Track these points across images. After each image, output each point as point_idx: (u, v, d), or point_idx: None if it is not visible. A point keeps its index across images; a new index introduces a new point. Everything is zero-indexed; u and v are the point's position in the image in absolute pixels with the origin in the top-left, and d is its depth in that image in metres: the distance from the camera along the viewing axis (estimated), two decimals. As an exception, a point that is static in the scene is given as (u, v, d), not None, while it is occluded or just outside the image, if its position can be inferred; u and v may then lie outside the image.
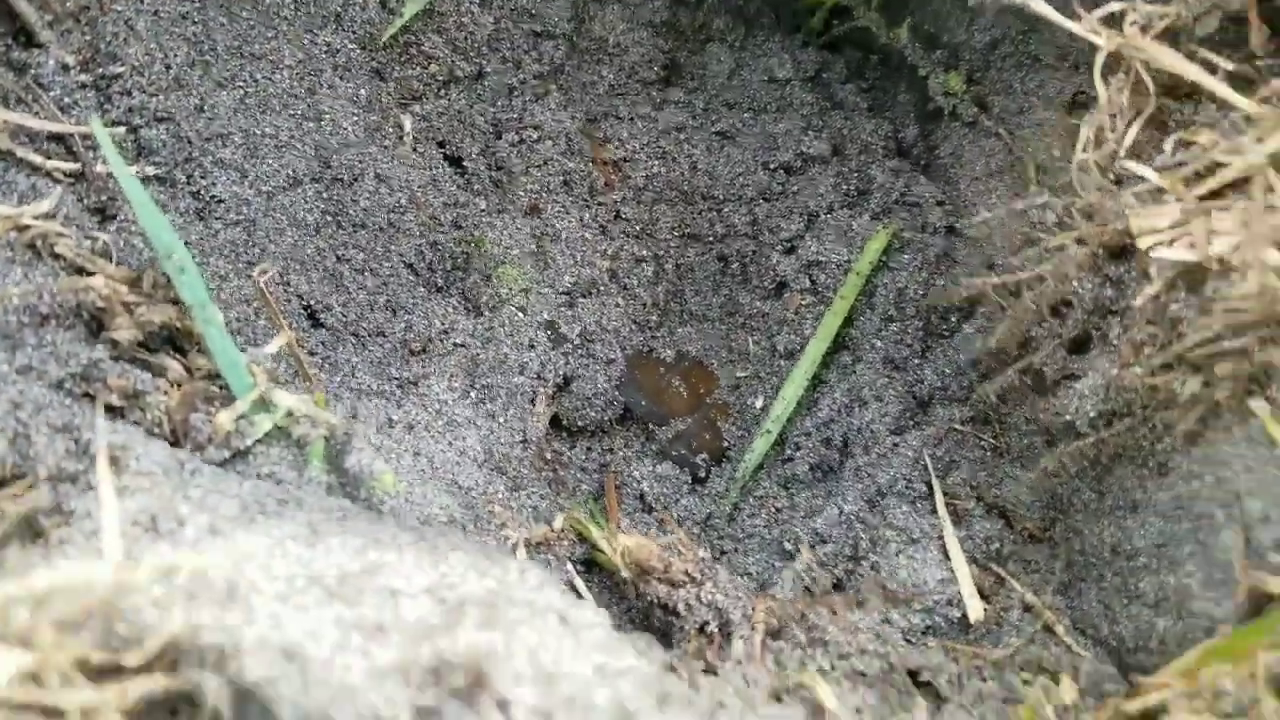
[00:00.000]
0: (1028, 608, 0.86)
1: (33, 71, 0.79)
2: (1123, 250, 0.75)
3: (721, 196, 1.13)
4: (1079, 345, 0.83)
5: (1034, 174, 0.93)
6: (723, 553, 0.95)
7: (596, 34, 1.13)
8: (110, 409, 0.68)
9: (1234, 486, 0.72)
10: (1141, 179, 0.73)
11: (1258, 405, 0.67)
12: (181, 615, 0.49)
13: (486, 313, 1.02)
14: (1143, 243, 0.69)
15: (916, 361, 1.05)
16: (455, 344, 0.99)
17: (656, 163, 1.12)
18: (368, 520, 0.66)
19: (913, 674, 0.82)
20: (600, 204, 1.10)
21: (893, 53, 1.21)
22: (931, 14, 1.21)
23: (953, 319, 1.03)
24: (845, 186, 1.13)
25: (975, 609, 0.85)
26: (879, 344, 1.06)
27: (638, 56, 1.15)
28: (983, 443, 0.96)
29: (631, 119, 1.13)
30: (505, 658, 0.49)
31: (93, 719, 0.48)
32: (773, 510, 1.01)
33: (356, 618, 0.50)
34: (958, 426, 0.97)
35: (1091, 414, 0.79)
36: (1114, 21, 0.77)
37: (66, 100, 0.80)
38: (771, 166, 1.13)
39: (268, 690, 0.48)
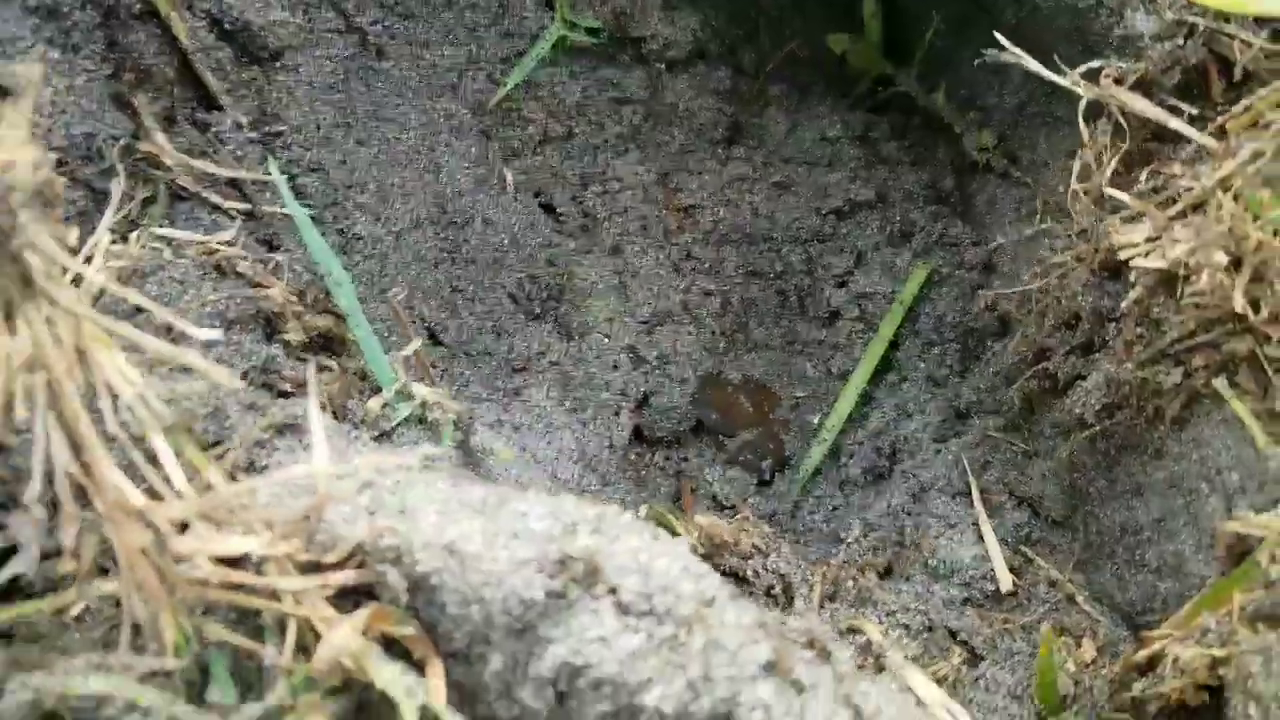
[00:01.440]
0: (1052, 583, 0.99)
1: (214, 129, 0.96)
2: (1117, 268, 0.89)
3: (780, 238, 1.28)
4: (1086, 350, 0.96)
5: (1042, 207, 1.07)
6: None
7: (669, 100, 1.30)
8: (282, 394, 0.84)
9: (1215, 463, 0.85)
10: (1124, 205, 0.87)
11: (1223, 387, 0.80)
12: (366, 526, 0.64)
13: (577, 338, 1.17)
14: (1124, 254, 0.83)
15: (955, 380, 1.18)
16: (550, 363, 1.15)
17: (722, 209, 1.28)
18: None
19: (952, 634, 0.95)
20: (674, 245, 1.25)
21: (931, 114, 1.37)
22: (965, 80, 1.36)
23: (987, 342, 1.17)
24: (889, 229, 1.28)
25: (1005, 580, 0.98)
26: (922, 365, 1.20)
27: (705, 119, 1.31)
28: (1013, 447, 1.09)
29: (700, 172, 1.29)
30: (612, 555, 0.63)
31: (301, 601, 0.63)
32: (829, 508, 1.15)
33: (497, 528, 0.65)
34: (992, 434, 1.10)
35: (1097, 407, 0.93)
36: (1093, 76, 0.91)
37: (239, 153, 0.97)
38: (824, 212, 1.29)
39: (435, 579, 0.62)
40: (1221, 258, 0.77)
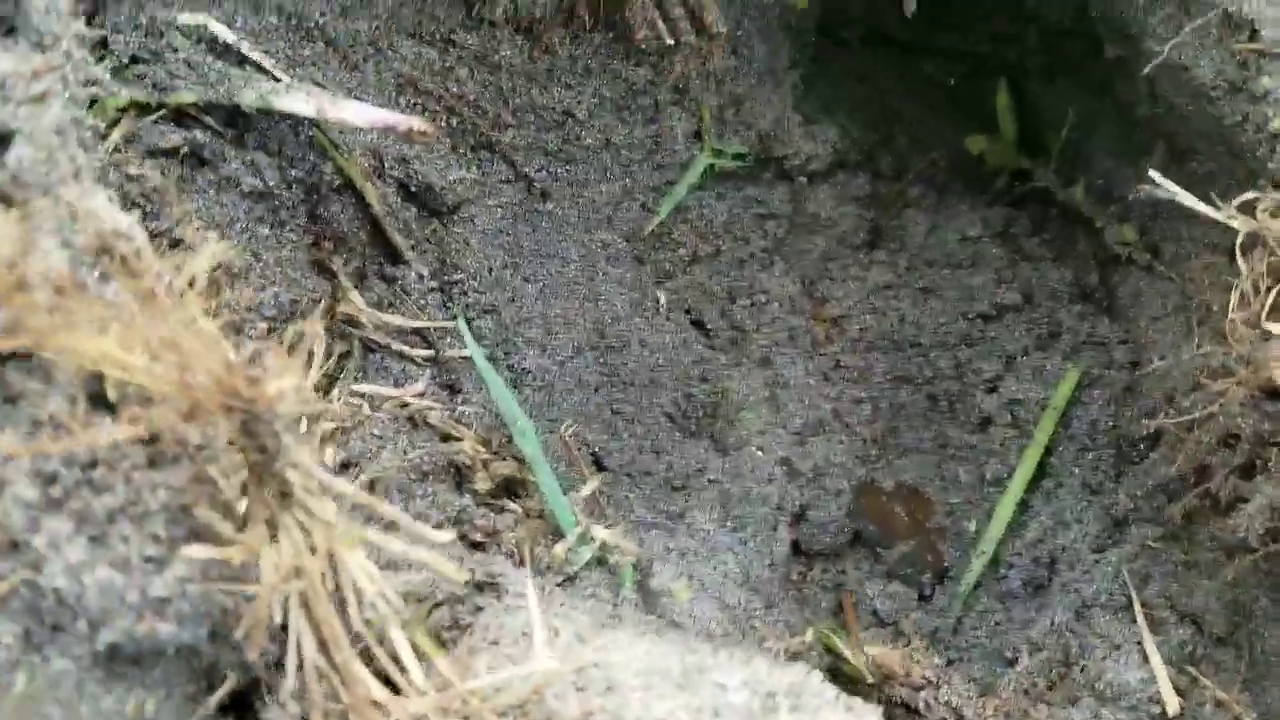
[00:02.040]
0: (1219, 703, 0.99)
1: (399, 282, 1.03)
2: (1277, 390, 0.90)
3: (927, 344, 1.31)
4: (1247, 471, 0.97)
5: (1197, 324, 1.08)
6: (950, 661, 1.11)
7: (810, 211, 1.33)
8: (475, 544, 0.90)
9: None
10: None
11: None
12: (577, 703, 0.69)
13: (732, 452, 1.21)
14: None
15: (1111, 486, 1.19)
16: (709, 480, 1.19)
17: (869, 317, 1.31)
18: (677, 632, 0.85)
19: (1124, 761, 0.96)
20: (822, 355, 1.29)
21: (1070, 207, 1.38)
22: (1102, 172, 1.37)
23: (1141, 447, 1.18)
24: (1037, 331, 1.29)
25: (1172, 704, 0.98)
26: (1077, 471, 1.21)
27: (846, 226, 1.34)
28: (1174, 558, 1.09)
29: (844, 280, 1.32)
30: (814, 734, 0.67)
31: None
32: (991, 623, 1.16)
33: (700, 703, 0.69)
34: (1151, 544, 1.11)
35: (1260, 531, 0.93)
36: (1248, 207, 0.93)
37: (422, 302, 1.04)
38: (970, 316, 1.31)
39: (645, 757, 0.67)
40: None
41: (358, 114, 0.86)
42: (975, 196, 1.42)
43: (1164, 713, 1.00)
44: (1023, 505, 1.21)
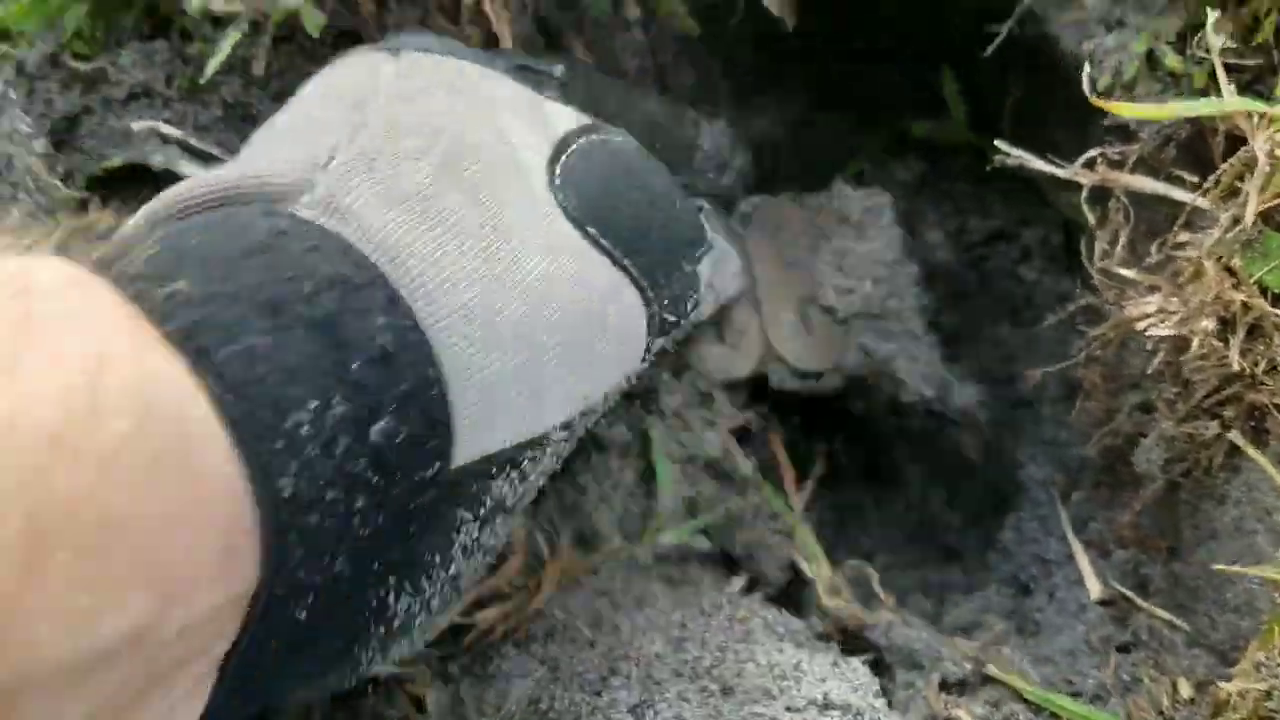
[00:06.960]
0: (1151, 630, 1.04)
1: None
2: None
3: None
4: (1146, 409, 1.03)
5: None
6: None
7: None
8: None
9: (1264, 504, 0.91)
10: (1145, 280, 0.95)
11: (1237, 438, 0.86)
12: None
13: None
14: (1139, 325, 0.91)
15: (1067, 437, 1.25)
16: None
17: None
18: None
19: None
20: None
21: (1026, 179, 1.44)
22: (1057, 143, 1.42)
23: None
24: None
25: (1094, 588, 1.06)
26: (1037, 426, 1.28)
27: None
28: (1116, 497, 1.15)
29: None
30: None
31: None
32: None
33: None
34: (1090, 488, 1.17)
35: (1159, 462, 0.99)
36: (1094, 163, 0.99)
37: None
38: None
39: None
40: (1209, 324, 0.85)
41: None
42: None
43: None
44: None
